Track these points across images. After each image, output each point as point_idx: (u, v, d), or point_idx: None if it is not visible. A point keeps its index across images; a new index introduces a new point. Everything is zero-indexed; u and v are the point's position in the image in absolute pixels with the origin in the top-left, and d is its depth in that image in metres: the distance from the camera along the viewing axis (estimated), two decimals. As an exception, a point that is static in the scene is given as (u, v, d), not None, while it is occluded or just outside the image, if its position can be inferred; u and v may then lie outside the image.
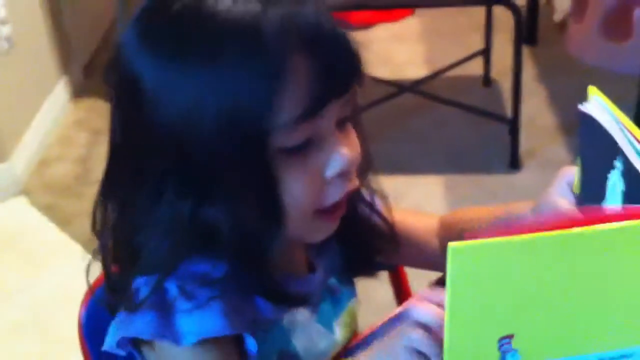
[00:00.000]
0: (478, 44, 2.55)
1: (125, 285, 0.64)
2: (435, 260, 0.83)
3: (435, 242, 0.82)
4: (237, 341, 0.64)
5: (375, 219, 0.77)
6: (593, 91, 0.60)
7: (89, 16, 2.86)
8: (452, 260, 0.44)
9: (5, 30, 2.20)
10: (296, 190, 0.61)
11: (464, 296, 0.45)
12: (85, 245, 1.97)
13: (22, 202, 2.20)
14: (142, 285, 0.63)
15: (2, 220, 2.14)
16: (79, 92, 2.69)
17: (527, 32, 2.68)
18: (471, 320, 0.46)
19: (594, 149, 0.61)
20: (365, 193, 0.76)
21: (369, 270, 0.81)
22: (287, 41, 0.58)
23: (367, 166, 0.72)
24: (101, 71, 2.42)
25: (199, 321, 0.61)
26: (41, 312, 1.78)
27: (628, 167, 0.55)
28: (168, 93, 0.60)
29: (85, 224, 2.30)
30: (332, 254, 0.76)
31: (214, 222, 0.61)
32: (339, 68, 0.60)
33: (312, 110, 0.59)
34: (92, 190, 2.39)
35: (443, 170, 2.17)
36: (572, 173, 0.66)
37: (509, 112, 2.19)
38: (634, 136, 0.55)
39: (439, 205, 2.05)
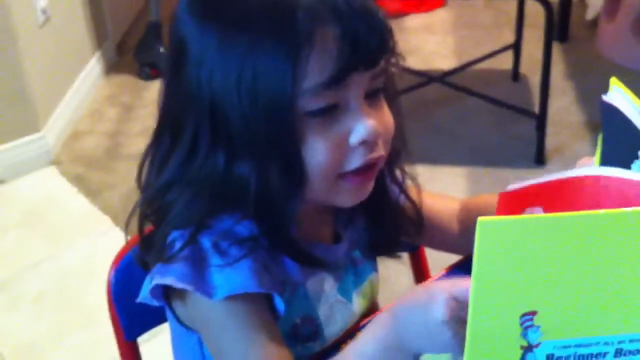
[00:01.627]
0: (508, 38, 2.55)
1: (159, 240, 0.68)
2: (454, 243, 0.85)
3: (455, 225, 0.85)
4: (266, 299, 0.67)
5: (404, 200, 0.80)
6: (615, 82, 0.62)
7: (124, -6, 2.90)
8: (480, 234, 0.45)
9: (42, 2, 2.25)
10: (319, 151, 0.64)
11: (490, 271, 0.46)
12: (113, 216, 2.02)
13: (52, 172, 2.25)
14: (176, 238, 0.67)
15: (32, 189, 2.19)
16: (111, 68, 2.74)
17: (558, 29, 2.67)
18: (495, 295, 0.47)
19: (616, 139, 0.62)
20: (397, 173, 0.78)
21: (393, 249, 0.83)
22: (318, 11, 0.62)
23: (400, 145, 0.75)
24: (133, 49, 2.52)
25: (229, 277, 0.64)
26: (66, 281, 1.82)
27: None
28: (207, 56, 0.64)
29: (113, 196, 2.36)
30: (358, 229, 0.79)
31: (243, 178, 0.65)
32: (366, 40, 0.63)
33: (337, 78, 0.62)
34: (120, 164, 2.46)
35: (467, 163, 2.18)
36: (590, 163, 0.67)
37: (536, 107, 2.19)
38: None
39: (461, 197, 2.06)
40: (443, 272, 0.85)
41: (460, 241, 0.84)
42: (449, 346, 0.53)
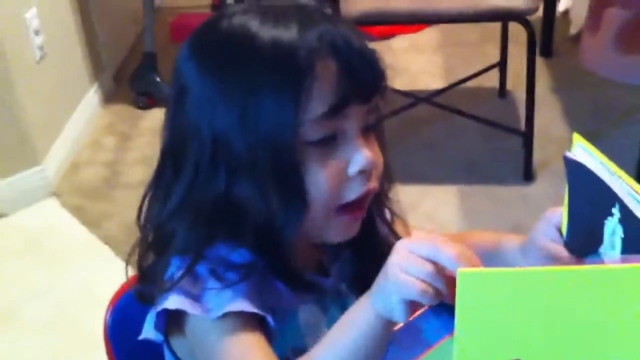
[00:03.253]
0: (495, 55, 2.61)
1: (161, 269, 0.72)
2: None
3: None
4: (260, 324, 0.70)
5: (391, 236, 0.83)
6: (577, 138, 0.63)
7: (118, 26, 2.96)
8: (461, 285, 0.47)
9: (39, 40, 2.31)
10: (320, 180, 0.69)
11: (472, 319, 0.48)
12: (113, 246, 2.06)
13: (53, 204, 2.30)
14: (175, 268, 0.71)
15: (33, 220, 2.24)
16: (108, 98, 2.79)
17: (542, 44, 2.73)
18: (479, 342, 0.48)
19: (584, 195, 0.63)
20: (384, 211, 0.82)
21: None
22: (319, 49, 0.68)
23: (389, 180, 0.79)
24: (129, 78, 2.54)
25: (226, 297, 0.68)
26: (69, 310, 1.86)
27: (626, 214, 0.56)
28: (210, 96, 0.69)
29: (113, 225, 2.40)
30: (345, 262, 0.82)
31: (242, 204, 0.69)
32: (363, 76, 0.68)
33: (337, 107, 0.67)
34: (119, 193, 2.50)
35: (457, 181, 2.23)
36: (558, 215, 0.69)
37: (523, 124, 2.24)
38: (628, 183, 0.56)
39: (452, 215, 2.11)
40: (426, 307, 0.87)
41: None
42: (392, 291, 0.57)
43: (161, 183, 0.73)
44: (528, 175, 2.21)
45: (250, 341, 0.67)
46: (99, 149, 2.53)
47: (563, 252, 0.68)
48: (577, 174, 0.62)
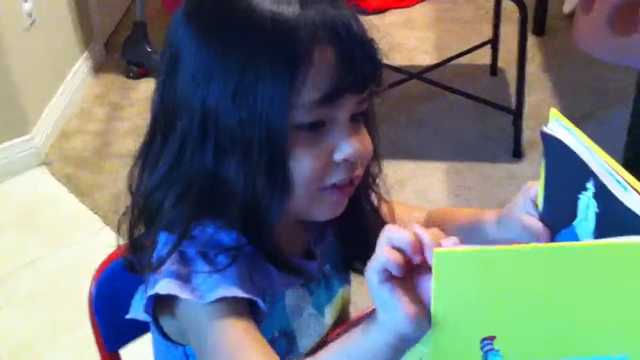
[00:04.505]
0: (488, 33, 2.61)
1: (146, 244, 0.72)
2: None
3: None
4: (249, 307, 0.70)
5: (376, 219, 0.83)
6: (554, 113, 0.63)
7: (110, -7, 2.93)
8: (437, 265, 0.47)
9: (28, 6, 2.28)
10: (305, 163, 0.68)
11: (448, 298, 0.48)
12: (103, 215, 2.06)
13: (42, 173, 2.29)
14: (162, 245, 0.71)
15: (23, 189, 2.23)
16: (99, 68, 2.77)
17: (535, 23, 2.73)
18: (455, 321, 0.49)
19: (560, 169, 0.63)
20: (370, 194, 0.82)
21: (362, 265, 0.87)
22: (317, 33, 0.66)
23: (377, 168, 0.80)
24: (120, 49, 2.52)
25: (218, 282, 0.67)
26: (59, 280, 1.87)
27: (600, 189, 0.56)
28: (204, 66, 0.68)
29: (103, 195, 2.40)
30: (329, 244, 0.83)
31: (229, 182, 0.69)
32: (360, 66, 0.68)
33: (331, 96, 0.67)
34: (109, 163, 2.50)
35: (448, 158, 2.24)
36: (535, 189, 0.69)
37: (514, 102, 2.25)
38: (603, 158, 0.56)
39: (442, 191, 2.13)
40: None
41: None
42: (377, 294, 0.51)
43: (150, 152, 0.73)
44: (517, 153, 2.22)
45: (241, 327, 0.67)
46: (89, 119, 2.52)
47: (537, 224, 0.68)
48: (553, 148, 0.62)
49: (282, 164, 0.68)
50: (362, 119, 0.72)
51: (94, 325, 0.90)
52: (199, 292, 0.67)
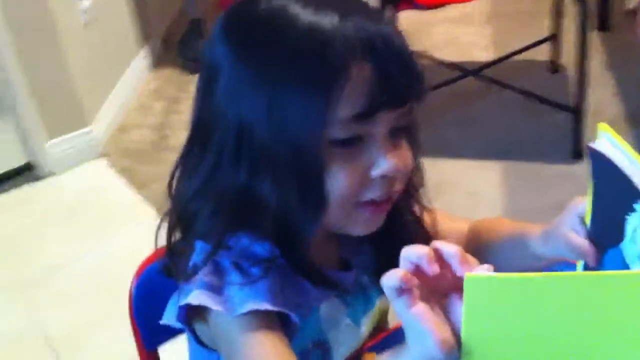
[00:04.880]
0: (548, 28, 2.53)
1: (185, 250, 0.72)
2: None
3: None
4: (280, 321, 0.69)
5: (419, 229, 0.82)
6: (603, 127, 0.61)
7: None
8: (468, 290, 0.47)
9: (85, 3, 2.34)
10: (341, 180, 0.67)
11: (478, 324, 0.47)
12: (159, 208, 2.09)
13: (101, 165, 2.36)
14: (197, 253, 0.71)
15: (81, 181, 2.30)
16: (157, 63, 2.83)
17: (599, 19, 2.64)
18: (485, 348, 0.48)
19: (607, 187, 0.61)
20: (413, 205, 0.80)
21: None
22: (354, 48, 0.64)
23: (418, 181, 0.78)
24: (177, 44, 2.54)
25: (249, 295, 0.67)
26: (111, 272, 1.90)
27: None
28: (240, 82, 0.68)
29: (159, 188, 2.43)
30: (366, 255, 0.81)
31: (263, 198, 0.68)
32: (399, 81, 0.65)
33: (366, 113, 0.65)
34: (167, 156, 2.54)
35: (502, 157, 2.19)
36: (583, 204, 0.67)
37: (575, 100, 2.18)
38: None
39: (495, 192, 2.08)
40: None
41: None
42: (405, 319, 0.50)
43: (188, 161, 0.73)
44: (576, 154, 2.16)
45: (271, 342, 0.66)
46: (146, 112, 2.57)
47: (584, 243, 0.66)
48: (601, 165, 0.60)
49: (317, 181, 0.67)
50: (403, 133, 0.70)
51: (132, 323, 0.91)
52: (230, 304, 0.67)
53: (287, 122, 0.65)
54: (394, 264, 0.81)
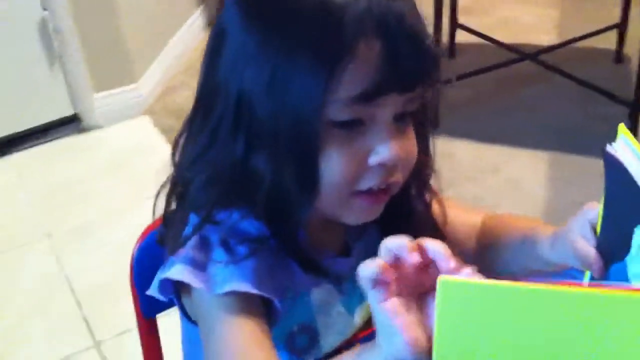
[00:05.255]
0: (616, 15, 2.41)
1: (178, 221, 0.71)
2: (469, 260, 0.84)
3: (473, 243, 0.83)
4: (264, 303, 0.68)
5: (427, 218, 0.78)
6: (622, 130, 0.57)
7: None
8: (442, 293, 0.45)
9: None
10: (336, 164, 0.64)
11: (451, 329, 0.46)
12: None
13: (145, 122, 2.38)
14: (189, 226, 0.69)
15: (124, 136, 2.33)
16: (212, 23, 2.82)
17: (672, 8, 2.49)
18: (457, 353, 0.47)
19: (620, 195, 0.57)
20: (424, 194, 0.77)
21: None
22: (365, 24, 0.60)
23: (426, 170, 0.74)
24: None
25: (232, 274, 0.65)
26: (142, 229, 1.93)
27: None
28: (246, 50, 0.65)
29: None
30: (370, 242, 0.77)
31: (257, 173, 0.65)
32: (407, 63, 0.61)
33: (369, 94, 0.61)
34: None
35: (549, 147, 2.11)
36: (596, 210, 0.62)
37: (634, 93, 2.07)
38: None
39: (538, 182, 2.01)
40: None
41: (475, 259, 0.82)
42: (377, 315, 0.49)
43: (192, 128, 0.71)
44: (630, 150, 2.05)
45: (249, 328, 0.64)
46: (195, 74, 2.54)
47: (590, 253, 0.61)
48: (615, 171, 0.56)
49: (311, 161, 0.64)
50: (410, 120, 0.67)
51: (132, 289, 0.90)
52: (211, 282, 0.65)
53: (287, 95, 0.62)
54: None
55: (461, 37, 2.47)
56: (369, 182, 0.65)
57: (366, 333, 0.81)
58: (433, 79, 0.65)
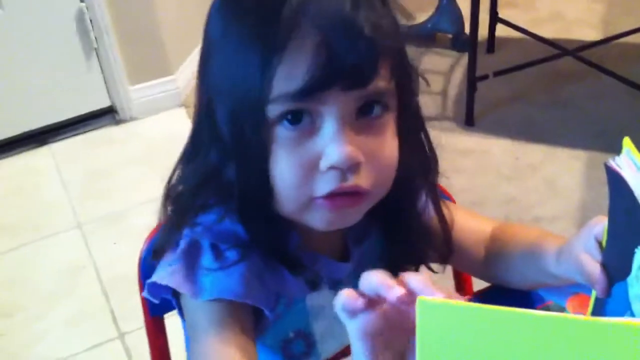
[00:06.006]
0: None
1: (170, 233, 0.70)
2: (478, 269, 0.81)
3: (482, 251, 0.80)
4: (253, 310, 0.67)
5: (433, 217, 0.75)
6: (627, 144, 0.54)
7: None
8: (421, 314, 0.44)
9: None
10: (285, 168, 0.60)
11: (432, 351, 0.45)
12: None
13: (180, 114, 2.39)
14: (179, 230, 0.69)
15: (159, 128, 2.35)
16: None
17: None
18: None
19: (622, 213, 0.54)
20: (424, 200, 0.74)
21: (414, 265, 0.80)
22: (300, 17, 0.57)
23: (427, 170, 0.71)
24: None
25: (219, 281, 0.64)
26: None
27: None
28: (214, 58, 0.64)
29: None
30: (371, 248, 0.76)
31: (230, 179, 0.64)
32: (344, 57, 0.57)
33: (305, 90, 0.57)
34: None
35: (590, 147, 2.04)
36: (602, 225, 0.59)
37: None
38: None
39: (576, 183, 1.94)
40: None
41: (483, 269, 0.80)
42: (355, 349, 0.48)
43: (189, 142, 0.71)
44: (674, 151, 1.97)
45: (233, 333, 0.63)
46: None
47: (594, 270, 0.59)
48: (618, 186, 0.53)
49: (260, 165, 0.61)
50: (383, 118, 0.62)
51: (140, 288, 0.90)
52: (198, 288, 0.65)
53: (232, 95, 0.60)
54: (403, 252, 0.76)
55: (503, 32, 2.41)
56: (325, 187, 0.61)
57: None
58: (374, 77, 0.59)
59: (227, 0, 0.64)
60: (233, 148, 0.63)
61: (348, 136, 0.59)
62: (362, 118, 0.61)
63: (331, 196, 0.61)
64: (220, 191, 0.66)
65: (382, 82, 0.60)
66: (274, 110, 0.59)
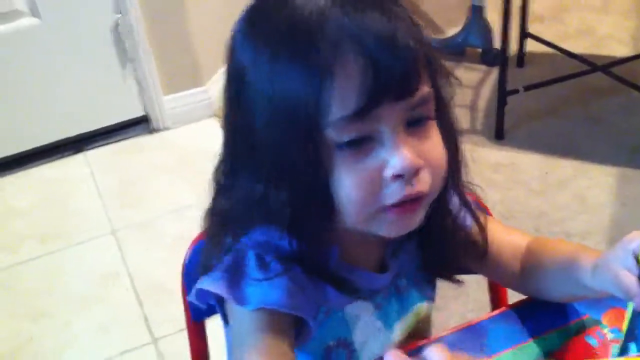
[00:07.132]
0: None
1: (215, 246, 0.72)
2: (514, 281, 0.82)
3: (517, 264, 0.81)
4: (295, 320, 0.68)
5: (469, 222, 0.77)
6: None
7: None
8: None
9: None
10: (349, 186, 0.62)
11: None
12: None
13: (212, 125, 2.42)
14: (228, 239, 0.70)
15: (190, 137, 2.37)
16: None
17: None
18: None
19: None
20: (464, 195, 0.75)
21: (449, 271, 0.82)
22: (339, 40, 0.59)
23: (456, 170, 0.72)
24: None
25: (265, 291, 0.66)
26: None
27: None
28: (255, 85, 0.64)
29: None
30: (408, 257, 0.78)
31: (279, 203, 0.65)
32: (390, 71, 0.60)
33: (361, 110, 0.60)
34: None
35: (619, 163, 2.03)
36: (638, 240, 0.61)
37: None
38: None
39: (606, 199, 1.94)
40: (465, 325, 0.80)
41: (519, 282, 0.81)
42: None
43: (222, 160, 0.73)
44: None
45: (275, 343, 0.65)
46: (262, 77, 2.59)
47: (632, 284, 0.60)
48: None
49: (322, 187, 0.63)
50: (427, 122, 0.64)
51: (183, 293, 0.92)
52: (243, 296, 0.67)
53: (285, 125, 0.62)
54: (439, 258, 0.77)
55: (533, 46, 2.42)
56: (391, 198, 0.63)
57: (407, 348, 0.81)
58: (416, 83, 0.62)
59: (256, 25, 0.66)
60: (285, 173, 0.64)
61: (405, 144, 0.62)
62: (412, 124, 0.63)
63: (399, 204, 0.64)
64: (268, 215, 0.67)
65: (425, 87, 0.63)
66: (334, 137, 0.61)
